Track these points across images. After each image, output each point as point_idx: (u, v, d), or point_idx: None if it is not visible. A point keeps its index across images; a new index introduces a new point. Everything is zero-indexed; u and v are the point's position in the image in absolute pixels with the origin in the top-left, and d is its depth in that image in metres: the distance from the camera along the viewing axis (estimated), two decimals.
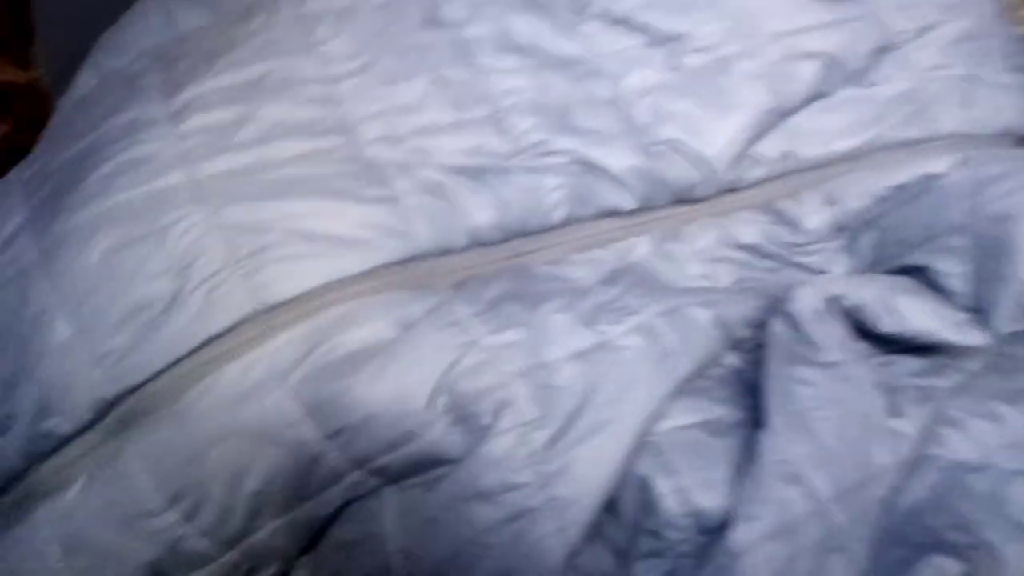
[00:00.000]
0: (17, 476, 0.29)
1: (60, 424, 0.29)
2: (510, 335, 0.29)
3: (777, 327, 0.31)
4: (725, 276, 0.35)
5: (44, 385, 0.29)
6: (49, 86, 0.71)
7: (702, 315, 0.31)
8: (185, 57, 0.34)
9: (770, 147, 0.37)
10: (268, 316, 0.28)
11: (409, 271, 0.30)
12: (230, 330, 0.28)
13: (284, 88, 0.33)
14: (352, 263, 0.29)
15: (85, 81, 0.40)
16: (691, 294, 0.32)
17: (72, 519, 0.28)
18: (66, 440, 0.29)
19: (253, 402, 0.27)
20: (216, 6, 0.38)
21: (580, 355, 0.29)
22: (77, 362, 0.28)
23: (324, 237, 0.29)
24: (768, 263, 0.36)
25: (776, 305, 0.33)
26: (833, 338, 0.30)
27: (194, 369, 0.28)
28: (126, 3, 0.45)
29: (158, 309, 0.28)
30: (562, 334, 0.29)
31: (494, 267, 0.32)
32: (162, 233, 0.29)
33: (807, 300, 0.31)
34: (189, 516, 0.28)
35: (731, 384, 0.31)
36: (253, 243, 0.29)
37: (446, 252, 0.32)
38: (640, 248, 0.35)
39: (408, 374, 0.28)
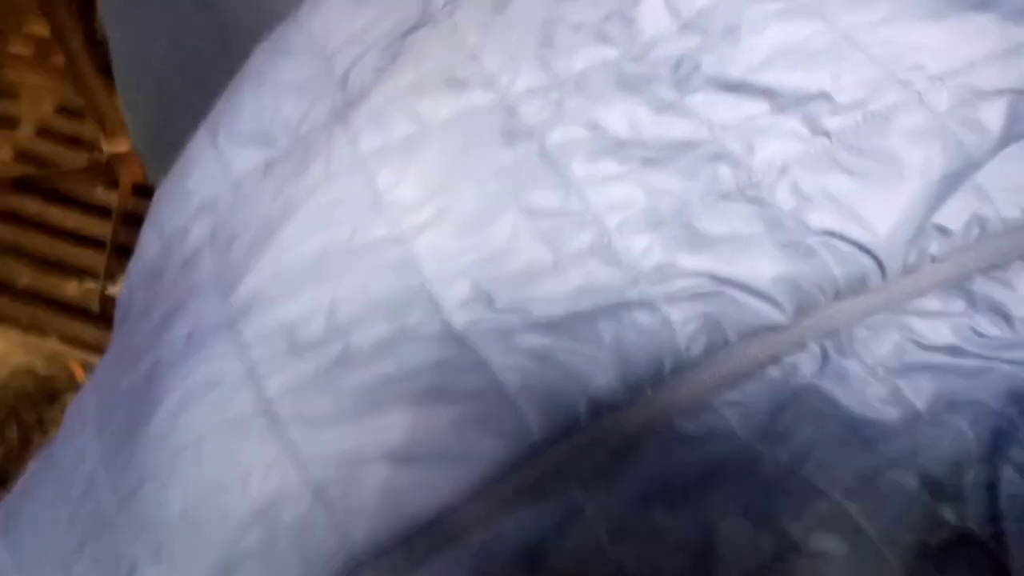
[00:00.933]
0: None
1: None
2: (667, 567, 0.23)
3: (1013, 483, 0.24)
4: (917, 395, 0.28)
5: None
6: (142, 153, 0.71)
7: (907, 480, 0.24)
8: (241, 231, 0.30)
9: (955, 213, 0.29)
10: (375, 565, 0.24)
11: (526, 473, 0.25)
12: None
13: (353, 260, 0.28)
14: (457, 482, 0.24)
15: (149, 245, 0.36)
16: (885, 444, 0.25)
17: None
18: None
19: None
20: (270, 143, 0.34)
21: (763, 573, 0.23)
22: None
23: (420, 456, 0.25)
24: (970, 362, 0.28)
25: (998, 440, 0.26)
26: None
27: None
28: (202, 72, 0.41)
29: (251, 566, 0.24)
30: (737, 548, 0.23)
31: (627, 437, 0.26)
32: (243, 479, 0.25)
33: None
34: None
35: (962, 566, 0.24)
36: (340, 480, 0.24)
37: (567, 433, 0.26)
38: (803, 367, 0.28)
39: None
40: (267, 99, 0.35)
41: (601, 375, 0.27)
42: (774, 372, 0.28)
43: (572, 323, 0.27)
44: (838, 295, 0.29)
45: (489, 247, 0.28)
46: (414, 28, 0.33)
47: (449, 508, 0.24)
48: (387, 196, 0.29)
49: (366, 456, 0.25)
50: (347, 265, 0.28)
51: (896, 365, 0.28)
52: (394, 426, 0.25)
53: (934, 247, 0.29)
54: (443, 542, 0.24)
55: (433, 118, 0.30)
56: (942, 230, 0.29)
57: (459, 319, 0.27)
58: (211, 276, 0.29)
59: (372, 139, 0.30)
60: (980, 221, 0.29)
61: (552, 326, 0.27)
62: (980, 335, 0.28)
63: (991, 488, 0.25)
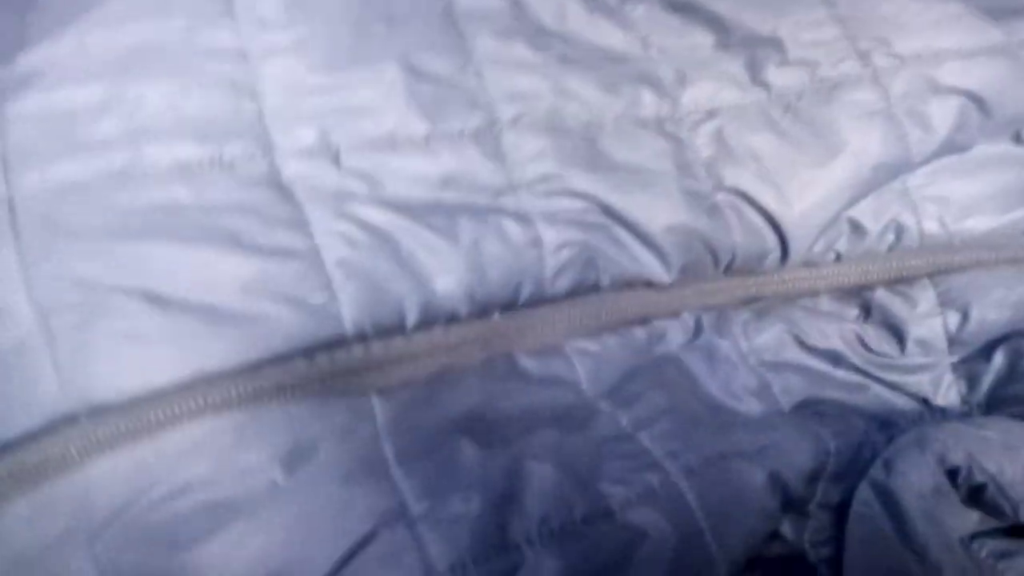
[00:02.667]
0: None
1: None
2: (458, 508, 0.18)
3: (866, 504, 0.21)
4: (785, 395, 0.25)
5: None
6: None
7: (755, 474, 0.21)
8: None
9: (874, 212, 0.26)
10: (91, 425, 0.18)
11: (319, 362, 0.20)
12: (34, 437, 0.18)
13: (180, 62, 0.22)
14: (226, 352, 0.19)
15: None
16: (739, 434, 0.22)
17: None
18: None
19: (45, 562, 0.17)
20: None
21: (565, 533, 0.19)
22: None
23: (187, 306, 0.19)
24: (848, 376, 0.25)
25: (859, 455, 0.23)
26: (949, 541, 0.20)
27: None
28: None
29: None
30: (542, 501, 0.19)
31: (455, 357, 0.22)
32: None
33: (916, 472, 0.21)
34: None
35: None
36: (73, 307, 0.19)
37: (385, 333, 0.21)
38: (672, 336, 0.25)
39: (286, 553, 0.17)
40: None
41: (445, 278, 0.22)
42: (639, 332, 0.24)
43: (428, 211, 0.22)
44: (729, 269, 0.26)
45: (353, 97, 0.23)
46: None
47: (208, 376, 0.19)
48: (242, 2, 0.23)
49: (116, 286, 0.19)
50: (170, 64, 0.22)
51: (771, 358, 0.25)
52: (166, 261, 0.19)
53: (843, 243, 0.26)
54: (190, 411, 0.18)
55: None
56: (856, 227, 0.26)
57: (291, 167, 0.22)
58: None
59: None
60: (898, 229, 0.26)
61: (403, 207, 0.22)
62: (867, 348, 0.26)
63: (837, 510, 0.22)
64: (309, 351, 0.20)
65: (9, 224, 0.19)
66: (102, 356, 0.18)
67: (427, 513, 0.18)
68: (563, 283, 0.24)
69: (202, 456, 0.18)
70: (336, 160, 0.22)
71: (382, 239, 0.21)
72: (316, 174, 0.22)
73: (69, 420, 0.18)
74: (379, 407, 0.20)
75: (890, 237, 0.26)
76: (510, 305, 0.23)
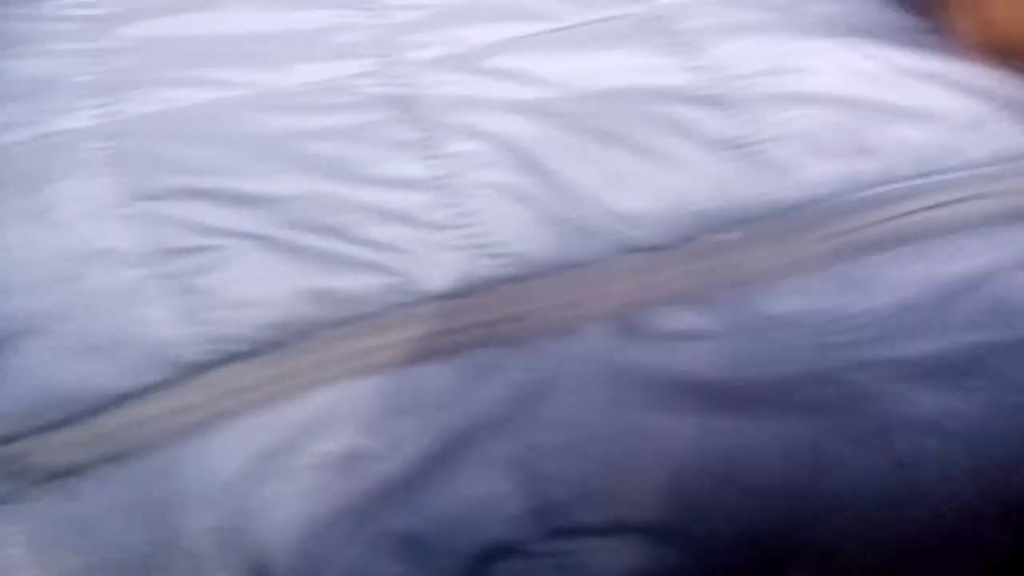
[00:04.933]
0: None
1: None
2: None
3: None
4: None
5: None
6: None
7: None
8: None
9: None
10: (219, 377, 0.16)
11: (465, 313, 0.16)
12: (148, 391, 0.16)
13: None
14: (356, 297, 0.16)
15: None
16: None
17: None
18: None
19: (163, 521, 0.16)
20: None
21: None
22: None
23: (309, 247, 0.16)
24: None
25: None
26: None
27: (95, 437, 0.17)
28: None
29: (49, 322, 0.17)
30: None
31: (653, 290, 0.17)
32: (47, 210, 0.17)
33: None
34: None
35: None
36: (187, 254, 0.16)
37: (536, 275, 0.17)
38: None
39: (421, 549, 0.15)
40: None
41: (626, 198, 0.17)
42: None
43: (594, 119, 0.18)
44: None
45: None
46: None
47: (336, 320, 0.16)
48: None
49: (228, 228, 0.16)
50: None
51: None
52: (284, 195, 0.17)
53: None
54: (330, 377, 0.16)
55: None
56: None
57: (421, 82, 0.18)
58: None
59: None
60: None
61: (559, 116, 0.18)
62: None
63: None
64: (443, 299, 0.16)
65: (112, 156, 0.17)
66: (219, 304, 0.16)
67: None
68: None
69: (341, 420, 0.15)
70: (461, 66, 0.19)
71: (531, 157, 0.17)
72: (449, 83, 0.18)
73: (195, 371, 0.16)
74: (543, 365, 0.16)
75: None
76: (733, 225, 0.18)
